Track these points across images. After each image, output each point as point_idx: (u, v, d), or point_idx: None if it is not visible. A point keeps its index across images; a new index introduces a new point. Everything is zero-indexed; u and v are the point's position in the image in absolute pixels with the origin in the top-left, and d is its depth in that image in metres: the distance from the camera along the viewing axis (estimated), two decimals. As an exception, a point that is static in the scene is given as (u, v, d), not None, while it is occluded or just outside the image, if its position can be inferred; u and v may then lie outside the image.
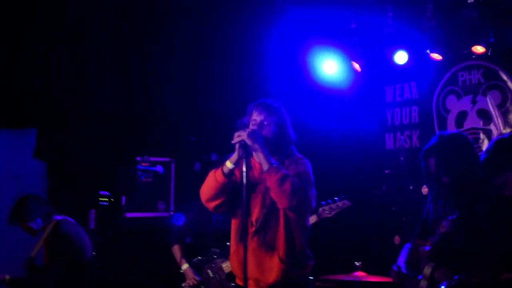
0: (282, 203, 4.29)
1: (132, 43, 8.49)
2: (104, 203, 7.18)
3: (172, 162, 8.34)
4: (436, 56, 7.69)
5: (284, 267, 4.46)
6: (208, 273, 6.44)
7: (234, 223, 4.67)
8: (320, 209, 6.40)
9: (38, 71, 8.01)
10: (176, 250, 6.65)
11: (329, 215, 6.40)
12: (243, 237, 4.24)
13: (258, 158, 4.37)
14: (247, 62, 8.45)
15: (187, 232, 6.73)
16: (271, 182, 4.27)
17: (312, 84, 8.49)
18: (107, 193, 7.19)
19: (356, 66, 8.21)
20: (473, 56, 7.43)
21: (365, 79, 8.50)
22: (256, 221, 4.49)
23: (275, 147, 4.50)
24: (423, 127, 8.06)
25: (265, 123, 4.48)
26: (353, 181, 7.93)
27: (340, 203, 6.45)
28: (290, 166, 4.49)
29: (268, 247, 4.47)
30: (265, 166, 4.29)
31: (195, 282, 6.41)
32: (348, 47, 8.33)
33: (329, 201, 6.44)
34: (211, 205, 4.56)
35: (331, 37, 8.31)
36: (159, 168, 6.59)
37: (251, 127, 4.46)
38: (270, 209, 4.45)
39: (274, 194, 4.29)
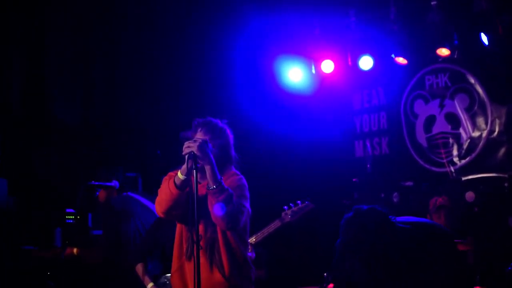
0: (221, 224, 4.27)
1: (95, 55, 8.37)
2: (70, 220, 7.03)
3: (139, 177, 8.19)
4: (402, 60, 7.62)
5: (229, 285, 4.42)
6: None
7: (179, 238, 4.60)
8: (283, 214, 6.29)
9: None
10: (139, 268, 6.48)
11: (292, 219, 6.27)
12: (192, 254, 4.23)
13: (206, 172, 4.24)
14: (213, 72, 8.35)
15: (150, 248, 6.56)
16: (215, 201, 4.21)
17: (279, 92, 8.37)
18: (72, 210, 7.03)
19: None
20: (440, 60, 7.40)
21: (332, 85, 8.40)
22: (201, 237, 4.40)
23: (219, 167, 4.39)
24: (392, 133, 7.98)
25: (211, 144, 4.37)
26: (323, 189, 7.83)
27: (302, 206, 6.33)
28: (226, 180, 4.41)
29: (212, 264, 4.42)
30: (211, 183, 4.21)
31: None
32: (312, 53, 8.23)
33: (291, 205, 6.32)
34: (169, 218, 4.51)
35: (295, 44, 8.23)
36: (114, 184, 6.43)
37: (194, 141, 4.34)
38: (215, 226, 4.41)
39: (215, 214, 4.24)
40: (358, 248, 4.18)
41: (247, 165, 7.48)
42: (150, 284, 6.36)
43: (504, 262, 6.58)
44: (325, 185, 7.93)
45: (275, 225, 6.26)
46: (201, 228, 4.36)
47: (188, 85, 8.51)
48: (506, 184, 6.83)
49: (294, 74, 8.27)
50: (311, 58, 8.23)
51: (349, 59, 7.99)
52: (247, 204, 4.43)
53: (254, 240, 6.26)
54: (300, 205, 6.34)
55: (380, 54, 7.75)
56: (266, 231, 6.27)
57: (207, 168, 4.20)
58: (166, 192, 4.34)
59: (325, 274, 6.55)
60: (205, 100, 8.16)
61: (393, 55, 7.62)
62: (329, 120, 8.43)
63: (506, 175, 6.82)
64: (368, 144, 8.19)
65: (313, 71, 8.22)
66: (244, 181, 4.54)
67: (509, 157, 6.85)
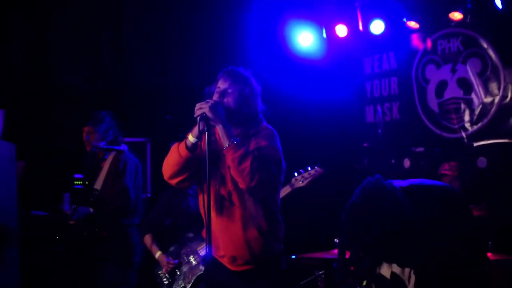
0: (241, 183, 4.13)
1: (102, 18, 8.27)
2: (79, 186, 6.99)
3: (148, 142, 8.15)
4: (413, 25, 7.53)
5: (264, 241, 4.31)
6: (184, 258, 6.27)
7: (202, 198, 4.45)
8: (293, 180, 6.28)
9: (6, 50, 7.80)
10: (147, 239, 6.46)
11: (303, 185, 6.27)
12: (219, 210, 4.21)
13: (220, 133, 4.14)
14: (224, 35, 8.26)
15: (160, 217, 6.53)
16: (230, 160, 4.10)
17: (290, 56, 8.28)
18: (81, 175, 6.99)
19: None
20: (452, 24, 7.29)
21: (343, 50, 8.31)
22: (228, 194, 4.30)
23: (240, 117, 4.30)
24: (403, 99, 7.91)
25: (229, 91, 4.24)
26: (333, 154, 7.78)
27: (312, 171, 6.30)
28: (256, 138, 4.30)
29: (244, 221, 4.29)
30: (225, 143, 4.10)
31: (172, 266, 6.24)
32: (323, 17, 8.13)
33: (301, 171, 6.31)
34: (174, 181, 4.33)
35: (306, 8, 8.12)
36: (123, 147, 6.40)
37: (215, 96, 4.23)
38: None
39: (233, 173, 4.13)
40: (371, 212, 4.12)
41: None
42: (158, 253, 6.36)
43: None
44: (335, 150, 7.88)
45: (285, 190, 6.22)
46: (229, 185, 4.27)
47: (198, 47, 8.42)
48: (519, 150, 6.77)
49: (305, 38, 8.17)
50: (322, 22, 8.12)
51: (360, 23, 7.88)
52: (275, 164, 4.25)
53: None
54: (309, 170, 6.31)
55: (392, 18, 7.64)
56: None
57: (219, 128, 4.09)
58: (174, 155, 4.24)
59: (335, 239, 6.54)
60: (216, 64, 8.06)
61: (405, 19, 7.52)
62: (340, 85, 8.35)
63: (519, 141, 6.76)
64: (379, 109, 8.12)
65: (324, 35, 8.12)
66: (276, 136, 4.41)
67: (522, 122, 6.78)
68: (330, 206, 7.69)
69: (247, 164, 4.05)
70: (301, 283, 6.58)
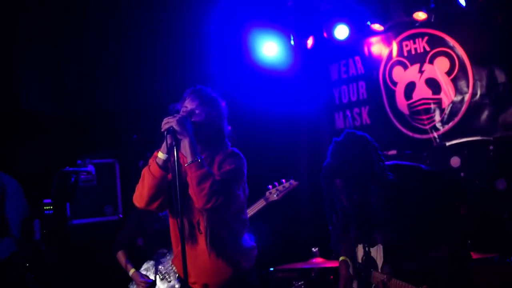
0: (197, 202, 4.05)
1: (64, 36, 8.12)
2: (49, 211, 6.84)
3: (116, 163, 8.01)
4: (378, 27, 7.48)
5: (234, 265, 4.29)
6: (160, 275, 6.17)
7: (173, 223, 4.41)
8: (267, 193, 6.26)
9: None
10: (120, 256, 6.36)
11: (277, 198, 6.24)
12: (184, 239, 4.05)
13: (185, 148, 4.06)
14: (186, 49, 8.14)
15: (132, 235, 6.43)
16: (190, 178, 4.02)
17: (255, 67, 8.20)
18: (50, 200, 6.84)
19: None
20: (416, 24, 7.26)
21: (309, 58, 8.24)
22: (197, 223, 4.24)
23: (206, 140, 4.23)
24: (372, 103, 7.85)
25: (197, 111, 4.18)
26: (306, 163, 7.71)
27: (286, 184, 6.29)
28: (222, 162, 4.24)
29: (212, 248, 4.24)
30: (189, 158, 4.02)
31: (145, 285, 6.13)
32: (286, 26, 8.06)
33: (275, 183, 6.29)
34: (153, 205, 4.23)
35: (268, 17, 8.05)
36: (90, 168, 6.26)
37: (181, 113, 4.15)
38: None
39: (191, 191, 4.04)
40: (347, 172, 4.28)
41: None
42: (132, 270, 6.26)
43: (493, 226, 6.53)
44: (306, 159, 7.79)
45: (259, 204, 6.22)
46: (196, 212, 4.21)
47: (162, 63, 8.30)
48: (491, 147, 6.71)
49: (270, 48, 8.10)
50: (286, 30, 8.06)
51: (324, 30, 7.82)
52: (238, 188, 4.22)
53: None
54: (284, 183, 6.30)
55: (356, 23, 7.59)
56: (250, 210, 6.18)
57: (185, 142, 4.02)
58: (148, 178, 4.14)
59: (313, 249, 6.50)
60: (180, 80, 7.96)
61: (369, 23, 7.47)
62: (308, 93, 8.28)
63: (491, 138, 6.71)
64: (348, 115, 8.05)
65: (292, 42, 8.06)
66: (243, 160, 4.35)
67: (492, 119, 6.73)
68: (302, 216, 7.66)
69: (206, 185, 3.99)
70: (280, 295, 6.55)
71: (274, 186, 6.28)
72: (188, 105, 4.21)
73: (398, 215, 4.28)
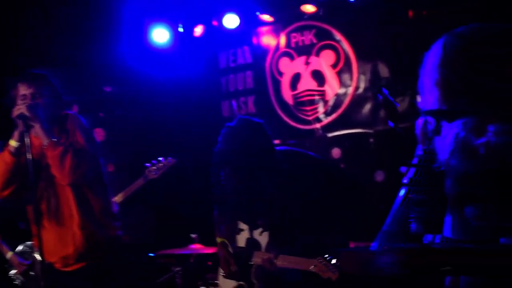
0: (63, 179, 4.24)
1: None
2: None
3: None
4: (267, 18, 7.54)
5: (86, 233, 4.37)
6: (35, 257, 6.01)
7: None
8: (146, 171, 6.33)
9: None
10: None
11: (156, 176, 6.32)
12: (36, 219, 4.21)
13: (38, 132, 4.19)
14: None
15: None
16: (50, 158, 4.19)
17: (145, 52, 8.10)
18: None
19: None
20: (305, 17, 7.35)
21: (198, 45, 8.20)
22: (47, 200, 4.37)
23: (53, 117, 4.37)
24: (258, 92, 7.88)
25: (36, 95, 4.33)
26: (191, 150, 7.65)
27: (165, 162, 6.38)
28: (72, 133, 4.38)
29: (66, 221, 4.37)
30: (44, 141, 4.18)
31: (24, 267, 5.97)
32: (178, 12, 8.00)
33: (153, 162, 6.37)
34: (4, 193, 4.38)
35: (159, 3, 7.96)
36: None
37: (22, 101, 4.26)
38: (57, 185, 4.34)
39: (54, 171, 4.22)
40: (238, 158, 4.30)
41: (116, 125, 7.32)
42: (9, 253, 6.10)
43: (371, 216, 6.68)
44: (192, 146, 7.74)
45: (139, 182, 6.28)
46: (51, 193, 4.33)
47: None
48: (371, 140, 6.88)
49: (159, 35, 8.01)
50: (177, 18, 8.00)
51: (214, 18, 7.81)
52: (94, 153, 4.38)
53: (117, 199, 6.12)
54: (162, 161, 6.37)
55: (245, 12, 7.60)
56: (129, 189, 6.21)
57: (37, 127, 4.14)
58: (0, 166, 4.26)
59: (192, 235, 6.49)
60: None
61: (258, 13, 7.51)
62: (196, 80, 8.23)
63: (372, 131, 6.88)
64: (234, 103, 8.07)
65: (181, 29, 8.00)
66: (84, 123, 4.48)
67: (374, 113, 6.90)
68: (185, 202, 7.62)
69: (67, 160, 4.13)
70: (159, 280, 6.51)
71: (152, 165, 6.33)
72: (26, 91, 4.32)
73: (286, 201, 4.33)
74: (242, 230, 4.78)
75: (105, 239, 4.44)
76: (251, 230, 4.66)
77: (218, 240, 4.95)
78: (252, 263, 4.59)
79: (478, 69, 2.37)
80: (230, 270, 4.77)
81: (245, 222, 4.74)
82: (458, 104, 2.40)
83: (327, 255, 4.22)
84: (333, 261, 4.19)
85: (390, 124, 4.09)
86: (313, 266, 4.25)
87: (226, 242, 4.84)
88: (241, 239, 4.77)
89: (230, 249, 4.76)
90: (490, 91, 2.36)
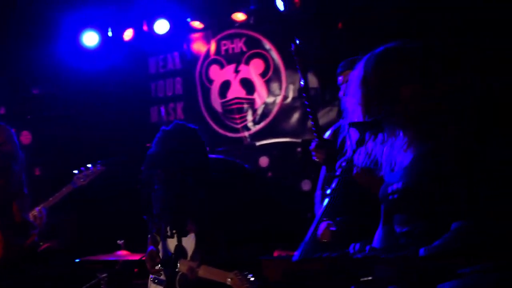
0: None
1: None
2: None
3: None
4: (198, 25, 7.55)
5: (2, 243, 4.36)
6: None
7: None
8: (74, 178, 6.31)
9: None
10: None
11: (84, 183, 6.33)
12: None
13: None
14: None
15: None
16: None
17: (75, 55, 8.00)
18: None
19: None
20: (236, 25, 7.39)
21: (128, 50, 8.13)
22: None
23: None
24: (188, 99, 7.88)
25: None
26: (118, 155, 7.57)
27: (93, 169, 6.39)
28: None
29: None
30: None
31: None
32: (108, 17, 7.93)
33: (82, 168, 6.37)
34: None
35: (90, 6, 7.88)
36: None
37: None
38: None
39: None
40: (170, 162, 4.31)
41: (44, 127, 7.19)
42: None
43: (297, 225, 6.74)
44: (120, 151, 7.67)
45: (67, 189, 6.24)
46: None
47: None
48: (299, 149, 6.96)
49: (89, 38, 7.92)
50: (107, 22, 7.93)
51: (145, 23, 7.76)
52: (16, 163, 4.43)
53: (45, 205, 6.05)
54: (91, 168, 6.37)
55: (176, 18, 7.59)
56: (57, 195, 6.15)
57: None
58: None
59: (118, 241, 6.44)
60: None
61: (189, 19, 7.52)
62: (126, 85, 8.15)
63: (299, 140, 6.95)
64: (162, 109, 8.03)
65: (110, 34, 7.92)
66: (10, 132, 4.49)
67: (302, 122, 6.97)
68: (113, 208, 7.55)
69: None
70: (84, 286, 6.42)
71: (81, 172, 6.32)
72: None
73: (213, 209, 4.35)
74: (171, 236, 4.77)
75: (22, 248, 4.39)
76: (179, 236, 4.65)
77: (149, 248, 4.93)
78: (178, 270, 4.59)
79: (390, 84, 2.64)
80: (153, 269, 4.77)
81: (174, 228, 4.73)
82: (378, 117, 2.57)
83: (245, 271, 4.24)
84: (250, 276, 4.20)
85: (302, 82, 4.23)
86: (229, 280, 4.27)
87: (157, 237, 4.83)
88: (172, 245, 4.77)
89: (159, 257, 4.75)
90: (400, 105, 2.62)
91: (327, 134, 4.53)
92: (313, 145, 4.20)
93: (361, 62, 2.77)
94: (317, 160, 4.21)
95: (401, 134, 2.69)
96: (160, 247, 4.81)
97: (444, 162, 2.47)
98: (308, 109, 4.31)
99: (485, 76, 4.74)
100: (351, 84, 2.79)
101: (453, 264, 2.33)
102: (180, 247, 4.60)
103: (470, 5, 5.55)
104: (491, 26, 5.35)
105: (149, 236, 4.99)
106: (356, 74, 2.77)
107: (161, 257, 4.73)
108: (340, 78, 4.41)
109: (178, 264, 4.58)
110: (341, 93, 4.36)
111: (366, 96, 2.71)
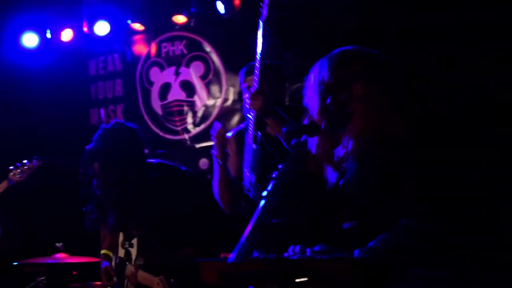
0: None
1: None
2: None
3: None
4: (138, 27, 7.55)
5: None
6: None
7: None
8: (10, 174, 6.24)
9: None
10: None
11: (21, 178, 6.26)
12: None
13: None
14: None
15: None
16: None
17: (16, 56, 7.93)
18: None
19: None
20: (176, 27, 7.41)
21: (68, 51, 8.06)
22: None
23: None
24: (128, 101, 7.86)
25: None
26: (58, 156, 7.52)
27: (29, 164, 6.33)
28: None
29: None
30: None
31: None
32: (47, 18, 7.86)
33: (18, 164, 6.30)
34: None
35: (30, 8, 7.81)
36: None
37: None
38: None
39: None
40: (106, 157, 4.34)
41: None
42: None
43: (241, 226, 6.79)
44: (59, 153, 7.61)
45: (3, 186, 6.19)
46: None
47: None
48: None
49: (28, 39, 7.85)
50: (46, 23, 7.85)
51: (85, 25, 7.72)
52: None
53: None
54: (27, 163, 6.30)
55: (117, 20, 7.56)
56: None
57: None
58: None
59: (56, 244, 6.40)
60: None
61: (129, 21, 7.50)
62: (66, 86, 8.08)
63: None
64: (102, 111, 7.99)
65: (49, 35, 7.85)
66: None
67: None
68: (51, 211, 7.49)
69: None
70: (22, 290, 6.39)
71: (16, 167, 6.26)
72: None
73: (152, 212, 4.37)
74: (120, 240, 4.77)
75: None
76: (125, 240, 4.66)
77: (102, 251, 4.93)
78: (125, 275, 4.60)
79: (342, 85, 2.72)
80: (110, 283, 4.76)
81: (121, 231, 4.74)
82: (331, 119, 2.66)
83: (178, 275, 4.27)
84: (171, 281, 4.23)
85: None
86: (155, 284, 4.31)
87: (110, 255, 4.83)
88: (121, 250, 4.78)
89: (113, 262, 4.75)
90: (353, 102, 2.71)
91: (229, 134, 4.56)
92: (252, 90, 3.98)
93: (316, 65, 2.84)
94: (253, 108, 3.99)
95: (347, 130, 2.74)
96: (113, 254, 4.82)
97: (388, 159, 2.53)
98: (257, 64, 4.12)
99: (481, 76, 4.82)
100: (309, 85, 2.86)
101: (403, 264, 2.36)
102: (128, 251, 4.61)
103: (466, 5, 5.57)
104: (488, 26, 5.39)
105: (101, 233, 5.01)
106: (314, 75, 2.84)
107: (114, 264, 4.73)
108: (244, 84, 4.37)
109: (126, 270, 4.59)
110: (244, 96, 4.34)
111: (321, 97, 2.77)
